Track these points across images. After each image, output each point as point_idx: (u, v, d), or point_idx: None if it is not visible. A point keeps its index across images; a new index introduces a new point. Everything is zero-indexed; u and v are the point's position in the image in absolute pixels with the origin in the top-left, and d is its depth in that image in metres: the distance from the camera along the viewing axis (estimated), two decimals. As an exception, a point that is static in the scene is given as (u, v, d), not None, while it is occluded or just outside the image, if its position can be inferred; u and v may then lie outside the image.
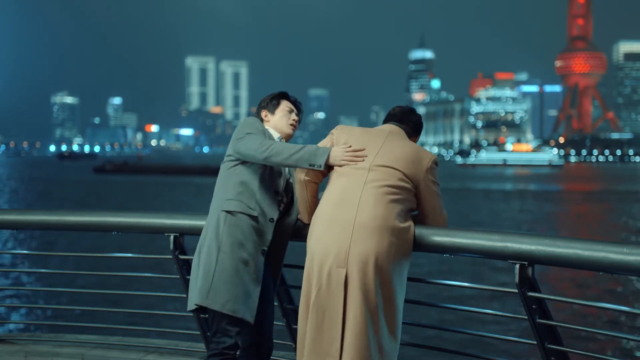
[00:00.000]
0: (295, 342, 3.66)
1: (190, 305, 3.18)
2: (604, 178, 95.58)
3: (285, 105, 3.43)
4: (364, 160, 2.97)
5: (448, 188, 56.11)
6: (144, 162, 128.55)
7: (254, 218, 3.16)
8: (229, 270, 3.11)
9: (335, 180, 3.00)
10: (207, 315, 3.43)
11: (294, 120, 3.42)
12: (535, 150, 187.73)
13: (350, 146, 3.03)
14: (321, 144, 3.12)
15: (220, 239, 3.14)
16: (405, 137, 3.10)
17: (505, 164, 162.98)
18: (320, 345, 2.81)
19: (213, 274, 3.11)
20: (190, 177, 75.03)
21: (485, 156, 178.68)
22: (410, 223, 2.93)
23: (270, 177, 3.26)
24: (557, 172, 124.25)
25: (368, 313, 2.77)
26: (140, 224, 3.90)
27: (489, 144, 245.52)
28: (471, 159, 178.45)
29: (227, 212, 3.16)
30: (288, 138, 3.42)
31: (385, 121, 3.23)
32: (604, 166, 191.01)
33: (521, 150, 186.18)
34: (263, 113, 3.43)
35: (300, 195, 3.16)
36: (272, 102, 3.44)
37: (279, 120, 3.40)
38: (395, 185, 2.90)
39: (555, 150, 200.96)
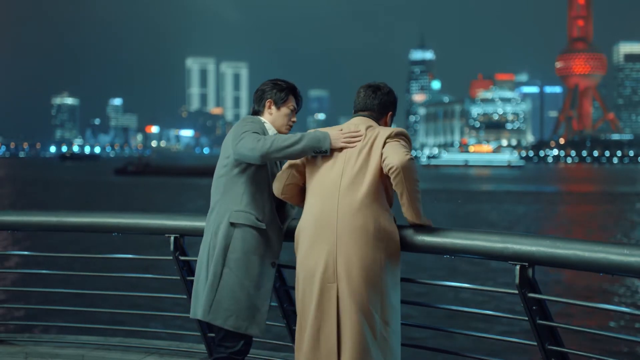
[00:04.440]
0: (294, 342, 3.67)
1: (194, 315, 3.17)
2: (558, 179, 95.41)
3: (291, 103, 3.25)
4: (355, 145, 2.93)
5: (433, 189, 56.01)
6: (169, 162, 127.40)
7: (262, 231, 3.08)
8: (233, 286, 3.05)
9: (312, 192, 2.99)
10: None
11: (292, 121, 3.27)
12: (495, 151, 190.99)
13: (341, 129, 2.98)
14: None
15: (226, 253, 3.06)
16: (374, 125, 3.01)
17: (467, 165, 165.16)
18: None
19: (216, 289, 3.05)
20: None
21: (448, 157, 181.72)
22: (392, 221, 2.92)
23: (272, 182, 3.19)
24: (517, 173, 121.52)
25: (364, 319, 2.79)
26: (141, 225, 3.90)
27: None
28: (434, 160, 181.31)
29: (234, 224, 3.07)
30: None
31: (355, 111, 3.11)
32: (587, 167, 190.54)
33: (482, 151, 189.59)
34: (268, 103, 3.23)
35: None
36: (281, 94, 3.23)
37: (280, 118, 3.22)
38: (370, 188, 2.87)
39: (515, 152, 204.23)
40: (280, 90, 3.24)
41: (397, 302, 2.91)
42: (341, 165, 2.92)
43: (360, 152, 2.91)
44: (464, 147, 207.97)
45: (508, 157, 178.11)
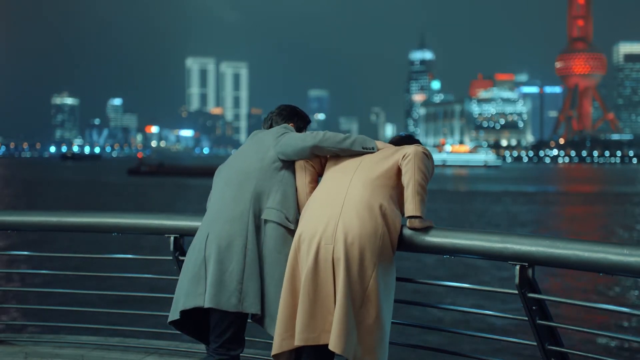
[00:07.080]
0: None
1: (227, 307, 2.93)
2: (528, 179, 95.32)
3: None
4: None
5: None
6: (183, 163, 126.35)
7: (290, 231, 3.03)
8: (277, 280, 2.97)
9: (328, 174, 3.10)
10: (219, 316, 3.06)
11: None
12: (472, 151, 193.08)
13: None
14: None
15: (262, 246, 3.00)
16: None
17: (444, 165, 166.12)
18: (315, 322, 2.79)
19: (262, 281, 2.97)
20: None
21: None
22: (397, 213, 2.92)
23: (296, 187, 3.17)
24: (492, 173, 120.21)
25: (350, 292, 2.75)
26: (140, 225, 3.89)
27: (489, 145, 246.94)
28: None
29: (266, 220, 3.02)
30: None
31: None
32: (586, 167, 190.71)
33: (459, 152, 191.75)
34: (291, 125, 3.29)
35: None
36: (301, 123, 3.30)
37: None
38: (385, 174, 2.96)
39: (491, 151, 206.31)
40: (302, 120, 3.34)
41: (388, 298, 2.87)
42: (361, 158, 3.04)
43: (385, 152, 3.05)
44: (441, 147, 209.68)
45: (485, 157, 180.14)
